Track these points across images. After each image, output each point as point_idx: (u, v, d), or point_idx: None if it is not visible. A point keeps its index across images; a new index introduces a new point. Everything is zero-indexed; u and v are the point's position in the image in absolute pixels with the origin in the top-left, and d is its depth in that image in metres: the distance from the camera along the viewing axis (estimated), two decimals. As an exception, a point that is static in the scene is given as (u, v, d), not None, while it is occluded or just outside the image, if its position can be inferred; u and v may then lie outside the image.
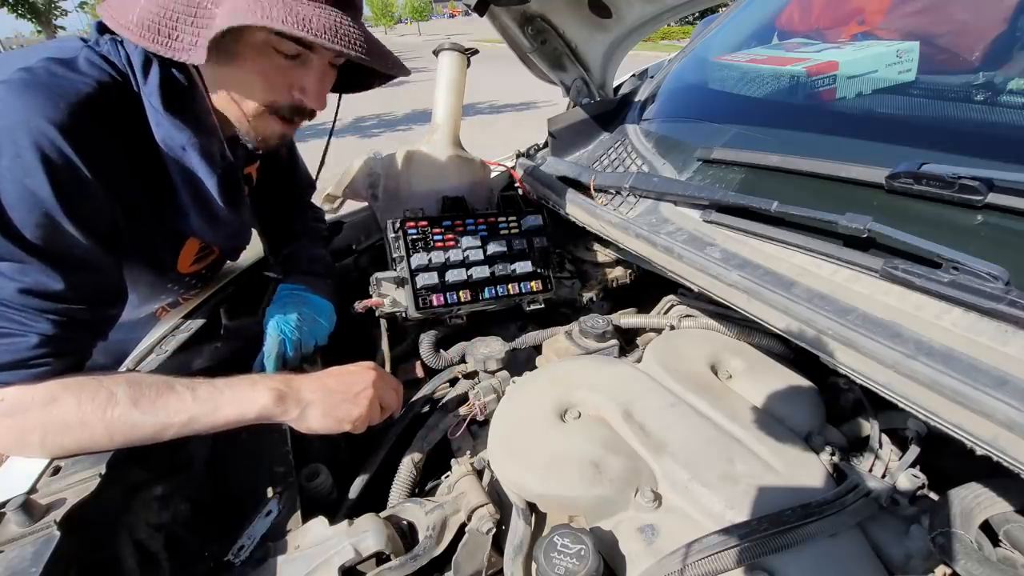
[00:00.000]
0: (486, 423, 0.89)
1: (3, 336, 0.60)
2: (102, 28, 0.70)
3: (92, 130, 0.63)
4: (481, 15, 1.17)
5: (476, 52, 1.30)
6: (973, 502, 0.59)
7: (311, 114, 0.79)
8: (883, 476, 0.71)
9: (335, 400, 0.73)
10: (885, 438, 0.77)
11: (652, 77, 1.46)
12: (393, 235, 1.07)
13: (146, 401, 0.64)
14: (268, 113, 0.75)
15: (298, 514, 0.72)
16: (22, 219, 0.59)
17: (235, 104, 0.74)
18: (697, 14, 1.48)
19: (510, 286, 1.11)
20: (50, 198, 0.60)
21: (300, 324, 0.93)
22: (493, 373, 0.98)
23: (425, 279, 1.04)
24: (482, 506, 0.72)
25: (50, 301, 0.62)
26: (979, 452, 0.51)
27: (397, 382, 0.83)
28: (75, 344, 0.66)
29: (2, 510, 0.55)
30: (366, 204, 1.28)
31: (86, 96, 0.63)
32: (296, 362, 0.92)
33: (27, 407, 0.61)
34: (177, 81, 0.69)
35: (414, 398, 0.95)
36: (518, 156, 1.45)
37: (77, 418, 0.61)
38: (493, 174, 1.41)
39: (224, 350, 0.95)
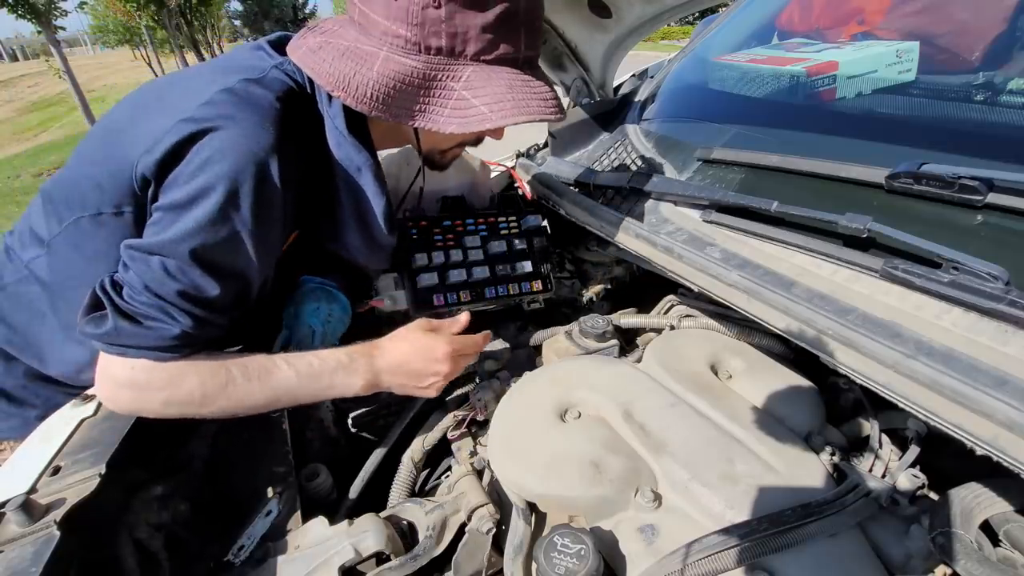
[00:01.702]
0: (486, 423, 0.89)
1: (153, 321, 0.64)
2: (278, 47, 0.75)
3: (290, 150, 0.67)
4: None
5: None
6: (973, 502, 0.59)
7: (481, 141, 0.90)
8: (883, 476, 0.71)
9: (409, 387, 0.79)
10: (885, 438, 0.77)
11: (652, 77, 1.46)
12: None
13: (256, 377, 0.70)
14: (457, 145, 0.88)
15: (298, 514, 0.72)
16: (215, 239, 0.64)
17: (432, 144, 0.86)
18: (697, 14, 1.48)
19: (510, 286, 1.11)
20: (249, 226, 0.65)
21: (329, 319, 0.93)
22: (493, 373, 0.97)
23: (425, 279, 1.04)
24: (482, 506, 0.72)
25: (200, 306, 0.66)
26: (979, 452, 0.51)
27: (475, 342, 0.84)
28: (206, 339, 0.70)
29: (2, 510, 0.55)
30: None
31: (283, 115, 0.67)
32: None
33: (154, 384, 0.66)
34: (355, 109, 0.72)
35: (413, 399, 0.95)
36: (518, 156, 1.45)
37: (200, 395, 0.67)
38: (493, 174, 1.41)
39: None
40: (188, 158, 0.62)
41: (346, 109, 0.72)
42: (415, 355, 0.78)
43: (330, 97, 0.72)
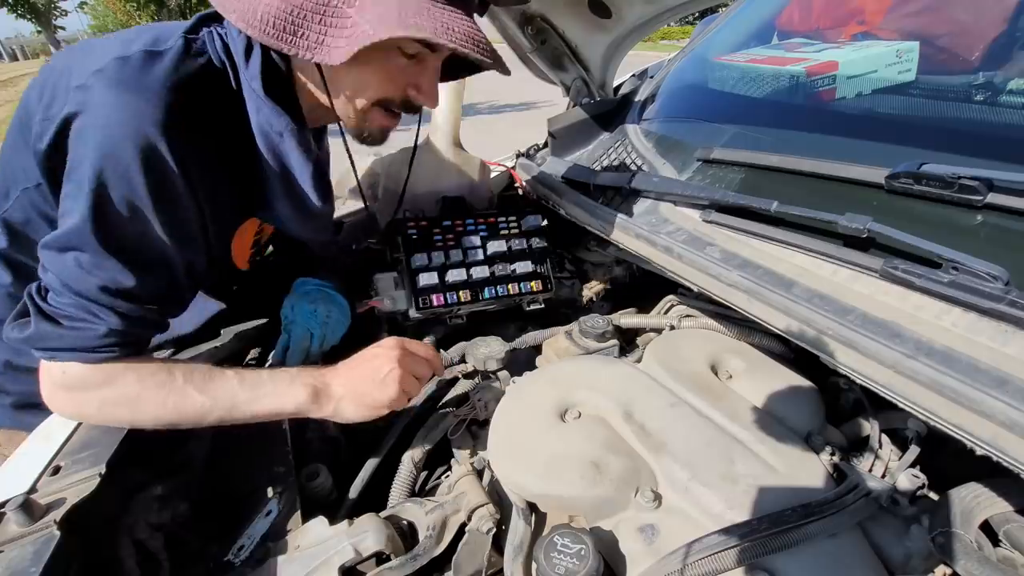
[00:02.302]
0: (486, 423, 0.89)
1: (78, 321, 0.62)
2: (202, 20, 0.70)
3: (188, 129, 0.64)
4: (481, 15, 1.17)
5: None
6: (973, 502, 0.59)
7: (418, 109, 0.79)
8: (883, 476, 0.71)
9: (365, 389, 0.73)
10: (885, 438, 0.77)
11: (652, 77, 1.46)
12: (392, 235, 1.07)
13: (198, 379, 0.68)
14: (377, 108, 0.75)
15: (298, 514, 0.72)
16: (116, 221, 0.61)
17: (346, 99, 0.73)
18: (697, 14, 1.48)
19: (510, 286, 1.11)
20: (147, 205, 0.62)
21: (327, 320, 0.93)
22: (493, 373, 0.97)
23: (425, 279, 1.04)
24: (482, 506, 0.72)
25: (123, 299, 0.64)
26: (979, 452, 0.51)
27: (426, 347, 0.81)
28: (138, 336, 0.69)
29: (2, 510, 0.55)
30: (366, 204, 1.28)
31: (182, 93, 0.63)
32: (317, 358, 0.93)
33: (89, 384, 0.65)
34: (277, 68, 0.69)
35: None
36: (518, 156, 1.45)
37: (136, 394, 0.65)
38: (493, 174, 1.41)
39: (224, 350, 0.95)
40: (74, 135, 0.60)
41: (264, 72, 0.67)
42: (363, 357, 0.76)
43: (248, 58, 0.67)
